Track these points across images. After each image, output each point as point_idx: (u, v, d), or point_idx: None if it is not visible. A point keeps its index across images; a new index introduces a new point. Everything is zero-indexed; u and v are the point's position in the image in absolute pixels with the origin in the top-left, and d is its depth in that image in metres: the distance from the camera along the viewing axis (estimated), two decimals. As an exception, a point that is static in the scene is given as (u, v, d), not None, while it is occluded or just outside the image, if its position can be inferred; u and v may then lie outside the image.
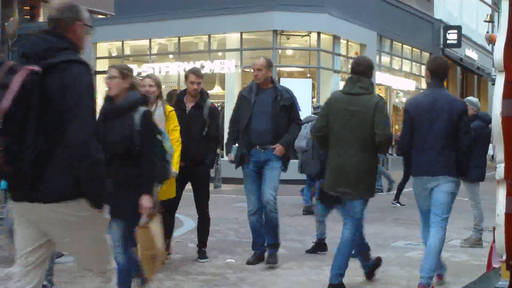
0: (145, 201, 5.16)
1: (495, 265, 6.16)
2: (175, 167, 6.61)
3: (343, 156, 6.17)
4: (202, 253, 7.87)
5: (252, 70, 7.79)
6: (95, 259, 3.91)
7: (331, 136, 6.27)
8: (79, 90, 3.48)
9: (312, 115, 13.17)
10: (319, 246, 8.47)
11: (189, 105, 7.65)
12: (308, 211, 12.40)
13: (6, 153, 3.37)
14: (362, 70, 6.33)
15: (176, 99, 7.78)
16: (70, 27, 3.70)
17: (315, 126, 6.52)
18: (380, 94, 23.62)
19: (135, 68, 21.45)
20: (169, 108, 7.08)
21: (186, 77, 7.69)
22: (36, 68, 3.43)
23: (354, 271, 7.43)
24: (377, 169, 6.57)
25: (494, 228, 4.81)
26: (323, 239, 8.48)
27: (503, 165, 4.68)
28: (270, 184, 7.52)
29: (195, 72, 7.73)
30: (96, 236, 3.82)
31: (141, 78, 6.80)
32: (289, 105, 7.72)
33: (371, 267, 6.96)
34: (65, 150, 3.45)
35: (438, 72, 6.49)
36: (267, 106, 7.56)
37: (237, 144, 7.64)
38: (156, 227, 5.29)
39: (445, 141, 6.16)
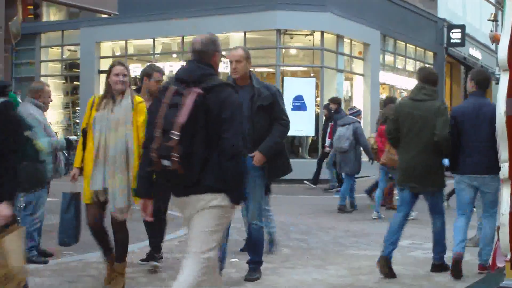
0: (3, 209, 4.47)
1: (500, 264, 6.16)
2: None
3: (409, 155, 7.05)
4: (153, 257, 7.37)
5: (228, 63, 6.63)
6: (203, 242, 4.46)
7: (401, 138, 7.18)
8: (232, 106, 4.43)
9: (350, 116, 13.29)
10: None
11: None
12: (342, 209, 12.73)
13: (183, 159, 4.25)
14: (426, 79, 7.18)
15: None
16: (212, 58, 4.67)
17: (387, 128, 7.50)
18: (384, 94, 23.67)
19: (139, 68, 21.47)
20: (138, 99, 6.26)
21: (150, 75, 7.28)
22: (199, 90, 4.35)
23: (357, 269, 7.43)
24: (442, 167, 7.47)
25: (498, 228, 4.80)
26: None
27: (507, 164, 4.67)
28: (252, 199, 6.67)
29: (160, 70, 7.48)
30: (221, 226, 4.55)
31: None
32: (268, 105, 6.53)
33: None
34: (220, 154, 4.35)
35: (483, 84, 7.14)
36: (243, 106, 5.97)
37: None
38: (13, 241, 4.50)
39: (488, 144, 6.64)
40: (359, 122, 13.16)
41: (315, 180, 17.31)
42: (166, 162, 4.29)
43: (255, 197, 6.70)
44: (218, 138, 4.35)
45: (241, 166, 4.41)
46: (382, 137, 11.19)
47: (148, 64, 7.27)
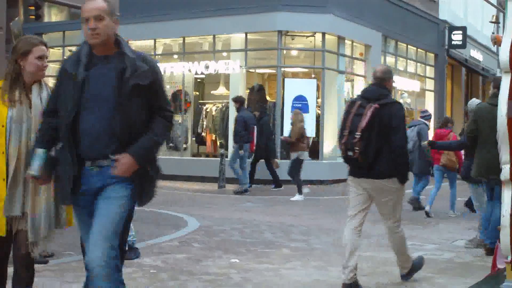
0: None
1: (500, 266, 6.15)
2: None
3: (491, 152, 7.18)
4: None
5: (88, 27, 4.37)
6: (393, 211, 6.63)
7: (480, 137, 8.01)
8: (399, 117, 6.42)
9: (420, 119, 13.62)
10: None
11: None
12: (417, 207, 13.30)
13: (362, 151, 6.20)
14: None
15: None
16: (388, 82, 6.66)
17: (469, 128, 8.30)
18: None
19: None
20: None
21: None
22: (377, 105, 6.29)
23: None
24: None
25: (499, 229, 4.80)
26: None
27: (508, 166, 4.67)
28: (101, 231, 4.12)
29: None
30: (398, 200, 6.60)
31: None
32: (147, 85, 4.24)
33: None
34: (391, 151, 6.27)
35: None
36: (107, 87, 4.19)
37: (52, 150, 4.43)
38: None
39: None
40: (426, 125, 13.58)
41: (276, 182, 17.33)
42: (350, 153, 6.29)
43: (108, 230, 4.11)
44: (386, 139, 6.25)
45: (406, 159, 6.52)
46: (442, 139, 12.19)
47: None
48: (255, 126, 16.65)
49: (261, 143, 16.94)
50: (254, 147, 16.74)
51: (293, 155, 15.23)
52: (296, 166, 15.23)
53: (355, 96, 7.24)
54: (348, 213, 6.64)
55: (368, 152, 6.22)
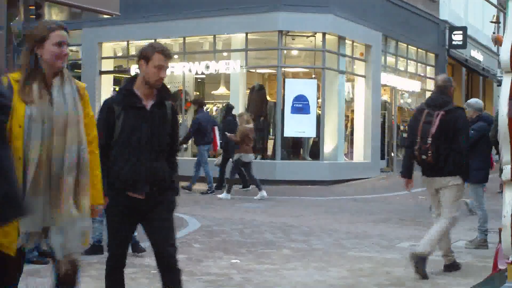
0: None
1: (501, 266, 6.14)
2: (98, 198, 4.33)
3: None
4: None
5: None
6: (449, 207, 7.31)
7: None
8: (463, 122, 7.27)
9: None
10: None
11: (148, 101, 4.81)
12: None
13: (433, 155, 7.10)
14: None
15: (125, 90, 4.95)
16: (449, 90, 7.39)
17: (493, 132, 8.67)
18: (385, 95, 23.67)
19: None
20: (82, 84, 4.41)
21: (148, 58, 4.81)
22: (443, 112, 7.13)
23: (359, 271, 7.42)
24: None
25: (500, 230, 4.80)
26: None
27: (509, 166, 4.66)
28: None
29: (164, 51, 4.85)
30: (458, 195, 7.38)
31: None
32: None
33: None
34: (456, 152, 7.13)
35: None
36: None
37: None
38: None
39: None
40: None
41: (219, 184, 17.04)
42: (423, 157, 7.17)
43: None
44: (452, 142, 7.09)
45: (468, 158, 7.26)
46: None
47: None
48: (216, 127, 16.64)
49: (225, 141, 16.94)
50: (218, 147, 16.81)
51: (236, 156, 15.23)
52: (235, 167, 15.34)
53: (419, 104, 8.68)
54: (435, 213, 7.60)
55: (438, 155, 7.11)
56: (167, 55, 4.83)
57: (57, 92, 4.07)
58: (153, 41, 21.57)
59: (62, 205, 3.99)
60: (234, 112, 17.53)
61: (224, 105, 20.62)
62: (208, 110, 20.49)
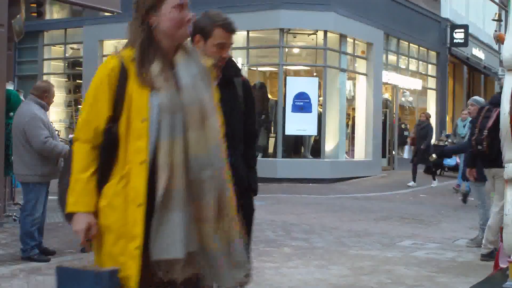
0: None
1: (503, 265, 6.13)
2: None
3: None
4: None
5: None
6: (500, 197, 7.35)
7: None
8: None
9: None
10: None
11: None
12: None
13: (489, 145, 7.73)
14: None
15: None
16: None
17: None
18: (387, 93, 23.66)
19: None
20: (209, 61, 3.40)
21: (206, 34, 4.08)
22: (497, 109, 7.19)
23: (360, 269, 7.42)
24: None
25: (501, 228, 4.79)
26: None
27: (511, 164, 4.65)
28: None
29: (226, 25, 4.22)
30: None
31: None
32: None
33: None
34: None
35: None
36: None
37: None
38: None
39: None
40: None
41: None
42: (479, 147, 7.86)
43: None
44: None
45: None
46: None
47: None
48: None
49: None
50: None
51: None
52: None
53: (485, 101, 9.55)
54: (498, 204, 7.69)
55: (493, 146, 7.59)
56: (231, 30, 3.99)
57: (184, 72, 3.03)
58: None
59: (208, 223, 2.97)
60: None
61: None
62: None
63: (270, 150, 19.92)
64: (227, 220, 3.03)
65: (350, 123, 21.91)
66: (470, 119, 16.20)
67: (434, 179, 18.13)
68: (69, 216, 3.00)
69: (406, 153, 20.04)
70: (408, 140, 20.36)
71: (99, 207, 2.98)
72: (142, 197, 2.90)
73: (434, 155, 15.03)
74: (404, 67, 24.86)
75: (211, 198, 2.97)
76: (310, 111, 18.94)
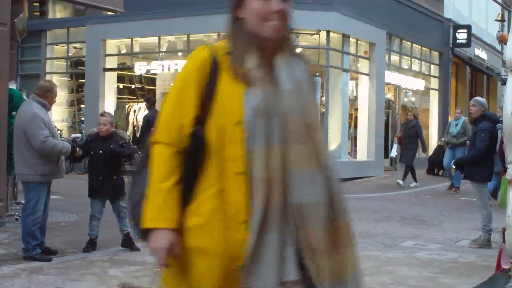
0: None
1: (505, 266, 6.13)
2: None
3: None
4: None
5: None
6: None
7: None
8: None
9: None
10: None
11: None
12: None
13: None
14: None
15: None
16: None
17: None
18: (389, 93, 23.63)
19: (144, 66, 21.44)
20: (310, 60, 3.11)
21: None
22: None
23: (363, 270, 7.40)
24: None
25: (504, 229, 4.78)
26: None
27: (513, 165, 4.65)
28: None
29: None
30: None
31: None
32: None
33: None
34: None
35: None
36: None
37: None
38: None
39: None
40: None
41: None
42: None
43: None
44: None
45: None
46: None
47: None
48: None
49: None
50: None
51: None
52: None
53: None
54: None
55: None
56: None
57: (285, 76, 2.62)
58: (157, 38, 21.60)
59: (313, 254, 2.54)
60: None
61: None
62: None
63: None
64: (342, 252, 2.65)
65: (352, 123, 21.90)
66: (464, 118, 16.29)
67: (416, 181, 17.88)
68: (145, 233, 2.56)
69: (394, 151, 19.96)
70: (395, 139, 19.95)
71: (188, 226, 2.53)
72: (244, 214, 2.48)
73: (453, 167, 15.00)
74: (406, 67, 24.84)
75: (319, 227, 2.52)
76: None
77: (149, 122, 16.34)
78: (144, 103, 17.26)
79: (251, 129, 2.50)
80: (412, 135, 17.79)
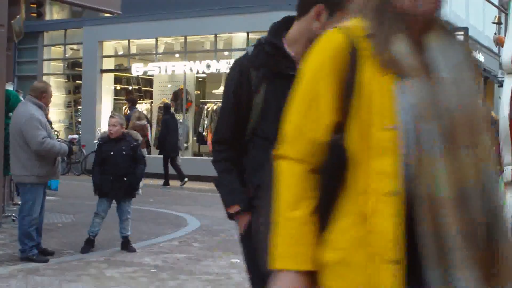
0: None
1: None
2: None
3: None
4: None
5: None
6: None
7: None
8: None
9: None
10: None
11: None
12: None
13: None
14: None
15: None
16: None
17: None
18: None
19: (141, 67, 21.43)
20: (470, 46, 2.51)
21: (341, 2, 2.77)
22: None
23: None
24: None
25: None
26: None
27: (510, 167, 4.66)
28: None
29: None
30: None
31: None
32: None
33: None
34: None
35: None
36: None
37: None
38: None
39: None
40: None
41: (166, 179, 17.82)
42: None
43: None
44: None
45: None
46: None
47: None
48: (148, 124, 16.71)
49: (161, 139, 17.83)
50: (152, 144, 17.66)
51: None
52: None
53: None
54: None
55: None
56: None
57: (441, 60, 1.98)
58: (154, 39, 21.60)
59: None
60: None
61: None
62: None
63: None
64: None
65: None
66: None
67: None
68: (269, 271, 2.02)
69: None
70: None
71: (325, 262, 1.96)
72: (394, 249, 1.84)
73: None
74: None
75: (506, 246, 1.94)
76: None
77: (128, 120, 16.44)
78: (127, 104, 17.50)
79: (407, 134, 1.88)
80: None
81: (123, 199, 8.01)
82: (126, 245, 8.06)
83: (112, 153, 7.91)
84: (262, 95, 2.97)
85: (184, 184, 17.53)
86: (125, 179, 7.91)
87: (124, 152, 7.95)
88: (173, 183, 17.83)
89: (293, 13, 3.06)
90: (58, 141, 8.45)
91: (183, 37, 20.94)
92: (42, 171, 7.41)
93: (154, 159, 17.17)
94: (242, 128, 3.03)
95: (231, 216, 3.11)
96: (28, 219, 7.33)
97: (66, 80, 24.57)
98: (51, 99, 7.93)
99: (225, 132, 3.13)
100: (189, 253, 8.17)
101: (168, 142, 17.63)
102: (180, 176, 17.61)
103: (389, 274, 1.83)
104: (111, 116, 8.30)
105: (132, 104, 17.45)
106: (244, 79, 3.01)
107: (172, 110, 18.84)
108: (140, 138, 8.48)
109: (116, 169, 7.89)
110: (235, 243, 9.00)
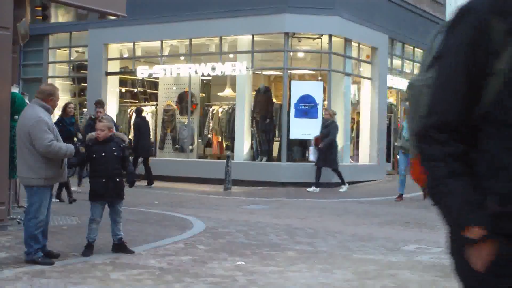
0: None
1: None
2: None
3: None
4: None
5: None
6: None
7: None
8: None
9: None
10: None
11: None
12: None
13: None
14: None
15: None
16: None
17: None
18: (391, 98, 23.61)
19: (146, 70, 21.45)
20: None
21: None
22: None
23: (364, 274, 7.40)
24: None
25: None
26: None
27: None
28: None
29: None
30: None
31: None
32: None
33: None
34: None
35: None
36: None
37: None
38: None
39: None
40: None
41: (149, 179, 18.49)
42: None
43: None
44: None
45: None
46: None
47: None
48: (118, 127, 16.77)
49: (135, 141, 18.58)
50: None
51: None
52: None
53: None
54: None
55: None
56: None
57: None
58: (159, 42, 21.61)
59: None
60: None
61: (230, 107, 20.62)
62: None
63: (275, 154, 19.92)
64: None
65: (354, 127, 21.90)
66: None
67: (344, 184, 17.66)
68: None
69: (311, 155, 18.68)
70: (312, 140, 18.06)
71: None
72: None
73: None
74: (409, 71, 24.84)
75: None
76: (315, 116, 18.93)
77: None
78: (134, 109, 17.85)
79: None
80: (327, 135, 17.33)
81: (116, 199, 8.09)
82: (121, 247, 8.10)
83: (103, 154, 8.00)
84: (509, 59, 2.04)
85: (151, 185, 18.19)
86: (117, 179, 8.02)
87: (115, 153, 8.07)
88: (178, 185, 17.83)
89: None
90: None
91: (188, 40, 20.95)
92: (48, 173, 7.43)
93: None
94: (471, 109, 2.13)
95: (469, 242, 2.20)
96: (34, 221, 7.34)
97: (71, 83, 24.62)
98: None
99: (450, 111, 2.13)
100: (194, 256, 8.17)
101: (140, 145, 18.41)
102: (149, 178, 18.34)
103: None
104: (99, 120, 8.42)
105: (101, 107, 16.72)
106: (481, 34, 2.06)
107: (143, 113, 19.68)
108: (126, 139, 8.65)
109: (107, 170, 7.99)
110: (240, 245, 9.02)
